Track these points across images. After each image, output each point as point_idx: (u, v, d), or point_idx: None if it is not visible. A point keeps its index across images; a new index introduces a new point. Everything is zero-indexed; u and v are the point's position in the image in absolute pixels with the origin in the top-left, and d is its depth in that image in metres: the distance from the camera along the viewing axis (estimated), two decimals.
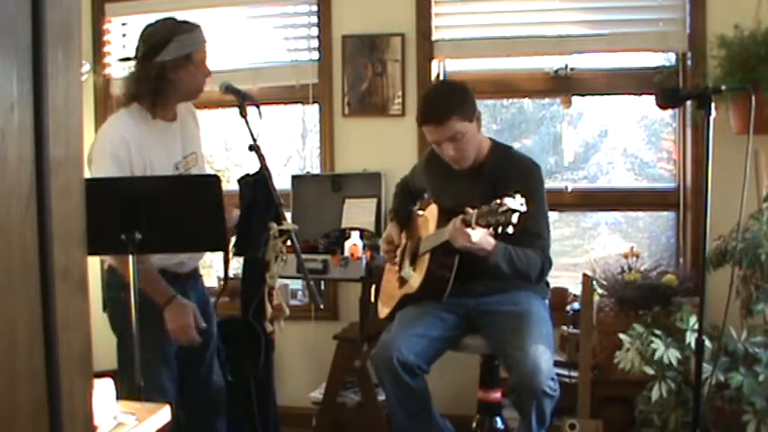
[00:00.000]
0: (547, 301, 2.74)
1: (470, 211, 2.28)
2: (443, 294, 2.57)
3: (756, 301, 2.58)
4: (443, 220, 2.56)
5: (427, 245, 2.64)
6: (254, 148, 2.35)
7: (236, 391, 2.61)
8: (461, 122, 2.48)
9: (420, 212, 2.90)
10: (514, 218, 2.15)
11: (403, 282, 2.79)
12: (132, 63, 2.36)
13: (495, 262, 2.41)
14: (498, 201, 2.17)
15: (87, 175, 2.14)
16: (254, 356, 2.50)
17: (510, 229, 2.17)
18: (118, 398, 1.60)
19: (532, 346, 2.37)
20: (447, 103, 2.51)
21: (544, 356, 2.35)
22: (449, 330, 2.61)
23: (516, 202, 2.15)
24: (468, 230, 2.29)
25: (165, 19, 2.34)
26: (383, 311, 2.87)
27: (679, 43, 3.26)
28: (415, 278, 2.68)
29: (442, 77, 3.57)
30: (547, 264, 2.57)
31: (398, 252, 2.89)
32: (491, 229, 2.21)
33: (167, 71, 2.29)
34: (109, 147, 2.26)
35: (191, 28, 2.33)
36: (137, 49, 2.35)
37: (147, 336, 2.28)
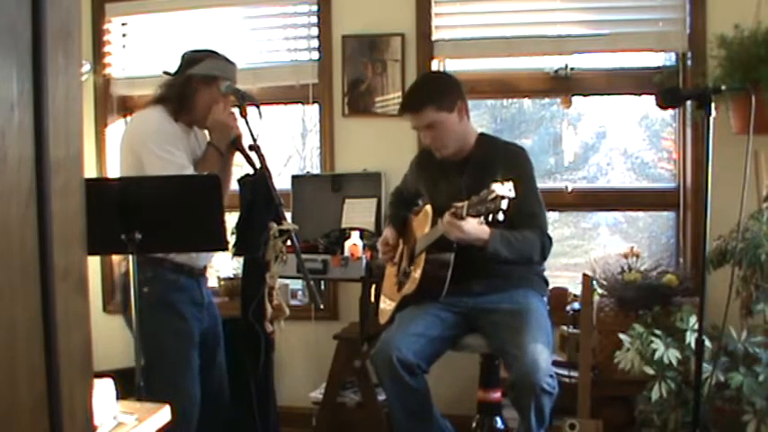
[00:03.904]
0: (545, 299, 2.75)
1: (459, 204, 2.32)
2: (441, 293, 2.57)
3: (756, 301, 2.58)
4: (437, 218, 2.57)
5: (422, 244, 2.65)
6: (254, 148, 2.36)
7: (237, 392, 2.62)
8: (437, 112, 2.56)
9: (415, 216, 2.92)
10: (504, 204, 2.17)
11: (401, 284, 2.80)
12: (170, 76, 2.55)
13: (493, 249, 2.45)
14: (487, 189, 2.20)
15: (146, 162, 2.35)
16: (254, 356, 2.50)
17: (501, 216, 2.20)
18: (118, 398, 1.60)
19: (531, 344, 2.37)
20: (423, 93, 2.63)
21: (542, 354, 2.35)
22: (448, 330, 2.61)
23: (504, 189, 2.18)
24: (460, 222, 2.33)
25: (210, 50, 2.55)
26: (383, 318, 2.87)
27: (679, 43, 3.26)
28: (413, 279, 2.69)
29: None
30: (546, 241, 2.60)
31: (397, 254, 2.90)
32: (482, 217, 2.24)
33: (192, 82, 2.46)
34: (163, 134, 2.40)
35: (227, 59, 2.53)
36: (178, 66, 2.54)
37: (173, 352, 2.37)
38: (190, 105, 2.46)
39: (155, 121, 2.43)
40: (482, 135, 2.74)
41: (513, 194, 2.18)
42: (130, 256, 2.14)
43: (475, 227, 2.36)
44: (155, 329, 2.29)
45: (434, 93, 2.59)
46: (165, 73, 2.54)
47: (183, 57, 2.52)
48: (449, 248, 2.53)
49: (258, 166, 2.41)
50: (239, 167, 2.84)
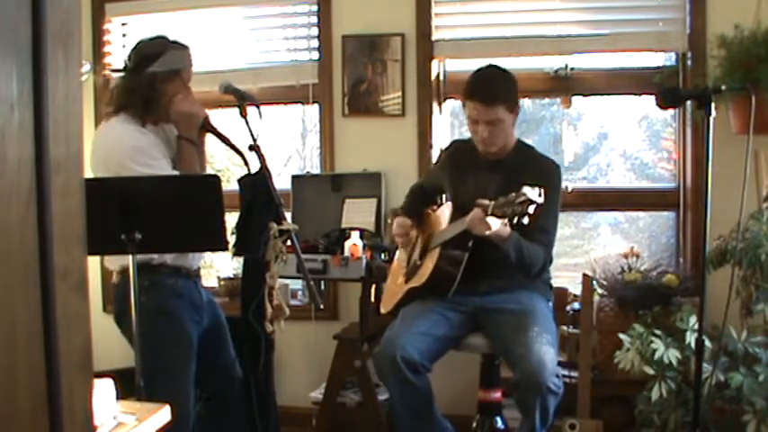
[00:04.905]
0: (551, 303, 2.75)
1: (487, 202, 2.31)
2: (449, 291, 2.57)
3: (756, 301, 2.58)
4: (457, 215, 2.58)
5: (439, 239, 2.65)
6: (254, 148, 2.36)
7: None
8: (505, 112, 2.56)
9: (432, 211, 2.91)
10: (531, 209, 2.18)
11: (409, 276, 2.79)
12: (122, 75, 2.41)
13: (506, 250, 2.45)
14: (515, 192, 2.20)
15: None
16: (254, 356, 2.50)
17: (525, 220, 2.21)
18: (118, 398, 1.60)
19: (536, 343, 2.37)
20: (500, 88, 2.59)
21: (548, 354, 2.36)
22: (453, 330, 2.61)
23: (534, 193, 2.18)
24: (487, 219, 2.33)
25: (158, 36, 2.42)
26: (386, 306, 2.86)
27: (679, 43, 3.26)
28: (423, 272, 2.68)
29: (441, 77, 3.58)
30: (548, 261, 2.62)
31: (410, 243, 2.88)
32: (506, 219, 2.25)
33: (157, 82, 2.34)
34: (139, 149, 2.29)
35: (182, 47, 2.41)
36: (128, 60, 2.40)
37: (171, 360, 2.34)
38: (157, 106, 2.36)
39: (127, 137, 2.31)
40: (520, 142, 2.75)
41: (541, 200, 2.19)
42: (130, 260, 2.13)
43: (497, 226, 2.36)
44: (153, 338, 2.27)
45: (508, 92, 2.60)
46: (114, 71, 2.43)
47: (137, 51, 2.38)
48: (464, 247, 2.53)
49: (231, 141, 2.37)
50: (239, 167, 2.83)
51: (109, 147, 2.35)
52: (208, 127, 2.43)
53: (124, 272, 2.32)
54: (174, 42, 2.41)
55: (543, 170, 2.61)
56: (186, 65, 2.41)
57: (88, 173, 2.27)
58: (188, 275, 2.46)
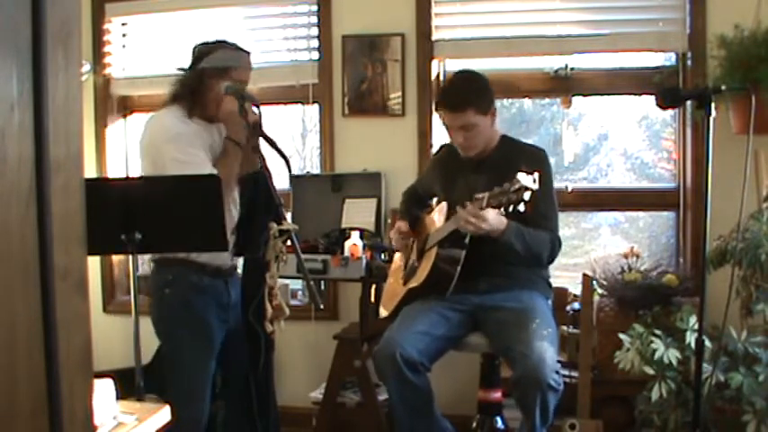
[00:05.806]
0: (550, 302, 2.75)
1: (480, 195, 2.32)
2: (448, 289, 2.57)
3: (756, 301, 2.58)
4: (451, 215, 2.58)
5: (435, 237, 2.65)
6: (254, 148, 2.36)
7: (237, 391, 2.61)
8: (476, 115, 2.55)
9: (427, 214, 2.92)
10: (526, 195, 2.18)
11: (408, 278, 2.79)
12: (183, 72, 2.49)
13: (507, 240, 2.44)
14: (509, 182, 2.21)
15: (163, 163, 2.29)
16: (254, 356, 2.50)
17: (521, 207, 2.20)
18: (118, 398, 1.60)
19: (536, 341, 2.37)
20: (466, 93, 2.58)
21: (548, 351, 2.35)
22: (453, 329, 2.61)
23: (529, 180, 2.18)
24: (480, 212, 2.33)
25: (217, 39, 2.50)
26: (385, 311, 2.87)
27: (679, 43, 3.26)
28: (421, 272, 2.68)
29: (441, 77, 3.58)
30: (557, 243, 2.60)
31: (409, 244, 2.89)
32: (502, 208, 2.25)
33: (205, 76, 2.40)
34: (178, 138, 2.34)
35: (237, 48, 2.48)
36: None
37: (191, 357, 2.35)
38: (204, 101, 2.41)
39: (168, 126, 2.36)
40: (504, 137, 2.75)
41: (536, 186, 2.19)
42: (130, 260, 2.13)
43: (493, 217, 2.36)
44: (174, 333, 2.27)
45: (477, 94, 2.58)
46: (179, 69, 2.48)
47: (194, 51, 2.47)
48: (461, 245, 2.53)
49: (278, 145, 2.39)
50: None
51: (150, 134, 2.41)
52: (259, 131, 2.42)
53: (155, 263, 2.34)
54: (231, 44, 2.47)
55: (530, 158, 2.60)
56: (238, 65, 2.45)
57: (135, 159, 2.28)
58: (218, 273, 2.45)
